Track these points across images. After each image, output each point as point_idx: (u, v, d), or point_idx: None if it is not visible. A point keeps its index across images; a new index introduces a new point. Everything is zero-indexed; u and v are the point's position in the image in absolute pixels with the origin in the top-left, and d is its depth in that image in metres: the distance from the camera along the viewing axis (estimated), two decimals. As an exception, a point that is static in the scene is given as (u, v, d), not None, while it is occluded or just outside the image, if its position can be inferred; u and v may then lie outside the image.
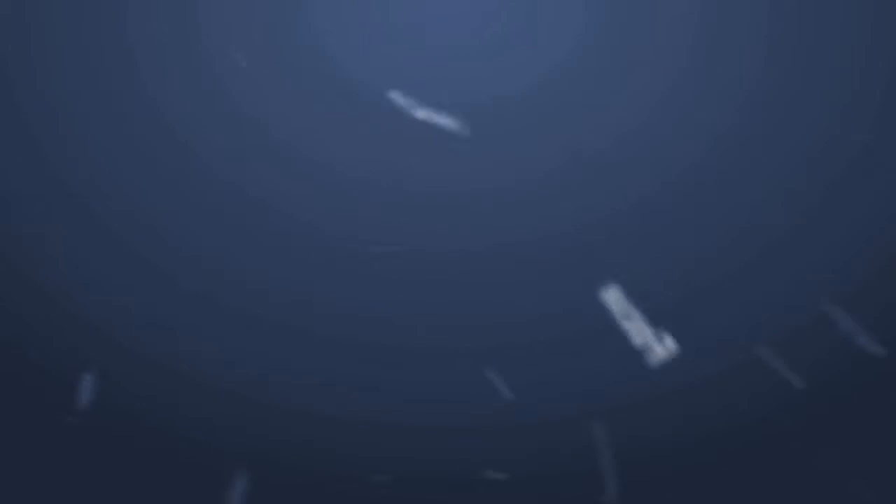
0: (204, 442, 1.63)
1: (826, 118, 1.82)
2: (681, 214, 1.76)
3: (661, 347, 1.68)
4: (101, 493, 1.60)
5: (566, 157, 1.80)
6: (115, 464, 1.62)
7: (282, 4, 1.83)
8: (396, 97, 1.82)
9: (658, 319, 1.70)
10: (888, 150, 1.81)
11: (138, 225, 1.72)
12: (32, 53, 1.79)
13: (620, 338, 1.69)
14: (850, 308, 1.71)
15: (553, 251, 1.75)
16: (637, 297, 1.71)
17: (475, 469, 1.63)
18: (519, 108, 1.82)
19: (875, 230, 1.76)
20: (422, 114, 1.81)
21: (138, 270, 1.70)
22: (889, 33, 1.85)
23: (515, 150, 1.80)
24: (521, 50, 1.85)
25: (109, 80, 1.79)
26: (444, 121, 1.81)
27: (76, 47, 1.80)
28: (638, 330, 1.69)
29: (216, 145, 1.77)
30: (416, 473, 1.63)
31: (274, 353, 1.67)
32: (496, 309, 1.71)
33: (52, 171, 1.74)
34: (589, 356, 1.69)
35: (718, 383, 1.68)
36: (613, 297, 1.71)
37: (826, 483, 1.64)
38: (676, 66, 1.84)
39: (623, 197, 1.77)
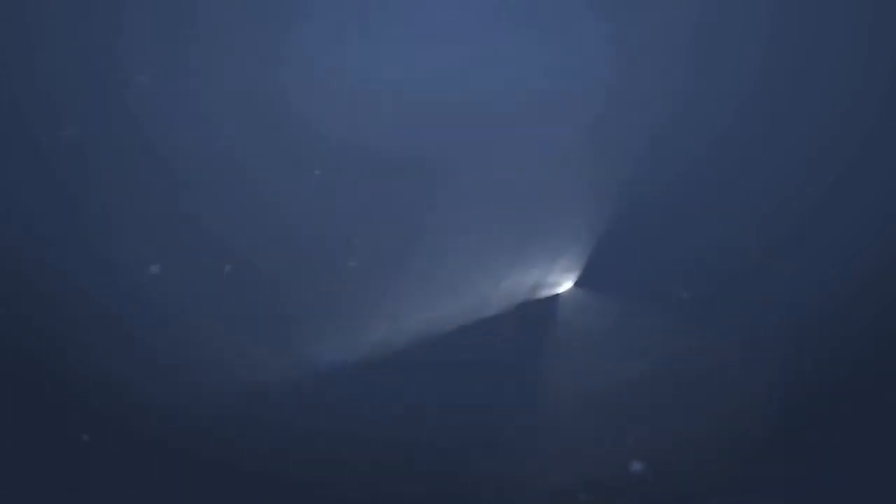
0: (205, 443, 1.63)
1: (826, 118, 1.82)
2: (681, 214, 1.77)
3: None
4: (101, 493, 1.60)
5: (566, 157, 1.80)
6: (114, 464, 1.62)
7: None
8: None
9: (658, 319, 1.70)
10: (888, 150, 1.81)
11: (138, 225, 1.72)
12: (32, 53, 1.79)
13: (620, 337, 1.70)
14: (850, 308, 1.72)
15: (553, 251, 1.75)
16: (637, 297, 1.71)
17: (476, 469, 1.63)
18: (519, 110, 1.83)
19: (875, 230, 1.76)
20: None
21: (138, 271, 1.70)
22: (889, 33, 1.86)
23: (515, 151, 1.80)
24: (521, 51, 1.85)
25: (109, 80, 1.79)
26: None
27: (76, 47, 1.80)
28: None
29: (216, 144, 1.78)
30: (416, 473, 1.63)
31: (276, 353, 1.67)
32: (496, 309, 1.71)
33: (52, 171, 1.74)
34: (589, 356, 1.69)
35: (719, 383, 1.68)
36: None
37: (827, 483, 1.64)
38: (676, 66, 1.84)
39: (623, 196, 1.77)
